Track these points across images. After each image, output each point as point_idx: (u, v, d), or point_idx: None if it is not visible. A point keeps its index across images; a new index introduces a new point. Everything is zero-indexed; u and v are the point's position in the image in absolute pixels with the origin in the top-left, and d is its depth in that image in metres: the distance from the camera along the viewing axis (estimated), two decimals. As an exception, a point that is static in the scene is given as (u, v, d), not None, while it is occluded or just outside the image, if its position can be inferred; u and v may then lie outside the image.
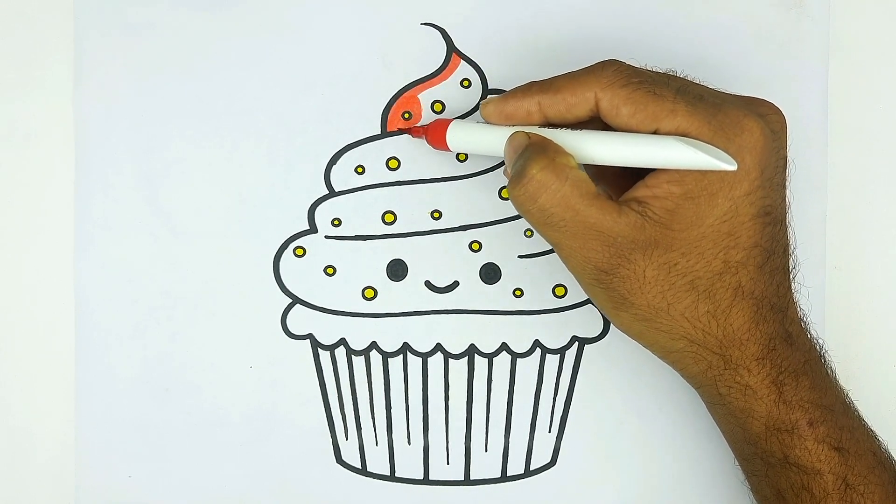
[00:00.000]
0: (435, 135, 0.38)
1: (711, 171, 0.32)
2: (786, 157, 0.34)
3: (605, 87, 0.33)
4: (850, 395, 0.36)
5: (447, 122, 0.38)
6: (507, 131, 0.35)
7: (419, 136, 0.40)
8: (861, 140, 0.42)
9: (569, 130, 0.34)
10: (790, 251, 0.35)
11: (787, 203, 0.35)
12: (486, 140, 0.36)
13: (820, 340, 0.36)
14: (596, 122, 0.34)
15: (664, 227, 0.33)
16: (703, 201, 0.33)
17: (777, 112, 0.34)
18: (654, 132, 0.33)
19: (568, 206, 0.33)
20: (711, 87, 0.35)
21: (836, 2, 0.41)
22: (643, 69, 0.34)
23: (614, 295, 0.34)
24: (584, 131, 0.34)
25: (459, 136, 0.38)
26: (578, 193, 0.33)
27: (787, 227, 0.35)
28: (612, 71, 0.33)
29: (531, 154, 0.33)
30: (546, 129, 0.35)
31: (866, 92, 0.42)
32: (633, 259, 0.33)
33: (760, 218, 0.33)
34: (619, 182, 0.37)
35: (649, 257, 0.33)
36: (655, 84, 0.33)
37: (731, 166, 0.31)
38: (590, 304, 0.41)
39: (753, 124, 0.32)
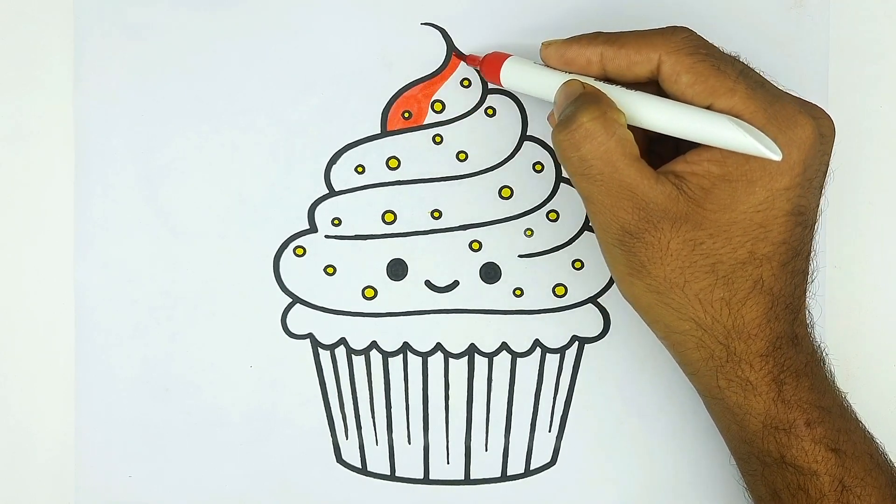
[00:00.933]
0: (490, 67, 0.38)
1: (755, 158, 0.32)
2: (828, 163, 0.34)
3: (672, 51, 0.33)
4: (849, 395, 0.36)
5: (504, 56, 0.38)
6: (563, 77, 0.35)
7: (474, 66, 0.40)
8: (861, 140, 0.42)
9: (624, 89, 0.34)
10: (812, 257, 0.35)
11: (820, 211, 0.35)
12: (541, 82, 0.36)
13: (821, 344, 0.36)
14: (652, 86, 0.34)
15: (697, 204, 0.33)
16: (741, 187, 0.32)
17: (828, 118, 0.34)
18: (708, 107, 0.32)
19: (609, 160, 0.33)
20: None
21: (836, 2, 0.41)
22: (711, 44, 0.34)
23: (634, 260, 0.34)
24: (639, 93, 0.33)
25: (515, 72, 0.37)
26: (622, 151, 0.33)
27: (814, 233, 0.35)
28: (682, 37, 0.33)
29: (584, 102, 0.33)
30: (602, 83, 0.34)
31: (866, 92, 0.42)
32: (661, 227, 0.33)
33: (794, 216, 0.33)
34: (663, 151, 0.37)
35: (677, 230, 0.33)
36: (721, 60, 0.33)
37: (776, 156, 0.31)
38: (590, 304, 0.41)
39: (806, 122, 0.32)
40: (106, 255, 0.41)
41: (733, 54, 0.34)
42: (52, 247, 0.41)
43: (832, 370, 0.36)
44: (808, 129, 0.32)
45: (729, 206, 0.33)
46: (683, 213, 0.33)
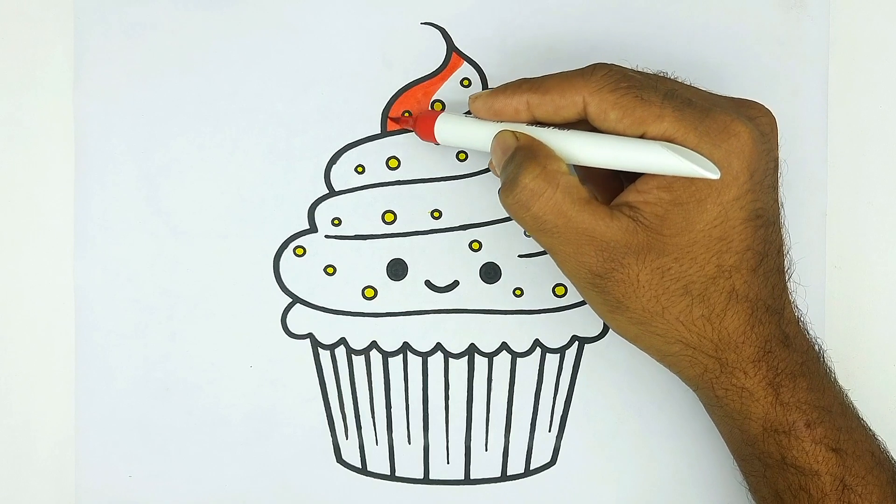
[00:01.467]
0: (423, 126, 0.38)
1: (698, 178, 0.32)
2: (777, 158, 0.34)
3: (594, 91, 0.33)
4: (849, 394, 0.36)
5: (436, 115, 0.38)
6: (495, 127, 0.35)
7: (407, 127, 0.40)
8: (861, 140, 0.42)
9: (556, 130, 0.34)
10: (785, 252, 0.35)
11: (780, 203, 0.35)
12: (475, 135, 0.36)
13: (819, 340, 0.36)
14: (584, 124, 0.34)
15: (655, 232, 0.33)
16: (692, 207, 0.33)
17: (767, 114, 0.34)
18: (642, 136, 0.33)
19: (560, 212, 0.33)
20: (705, 88, 0.35)
21: (836, 2, 0.41)
22: (633, 72, 0.34)
23: (609, 299, 0.34)
24: (571, 132, 0.34)
25: (448, 128, 0.38)
26: (570, 200, 0.33)
27: (780, 228, 0.35)
28: (601, 75, 0.33)
29: (522, 161, 0.33)
30: (534, 127, 0.35)
31: (866, 92, 0.42)
32: (627, 263, 0.33)
33: (752, 221, 0.33)
34: (609, 184, 0.37)
35: (642, 262, 0.33)
36: (643, 89, 0.33)
37: (713, 175, 0.31)
38: (590, 304, 0.41)
39: (741, 128, 0.32)
40: (106, 255, 0.41)
41: (661, 73, 0.34)
42: (52, 246, 0.41)
43: (832, 366, 0.36)
44: (744, 135, 0.32)
45: (685, 229, 0.33)
46: (644, 243, 0.33)
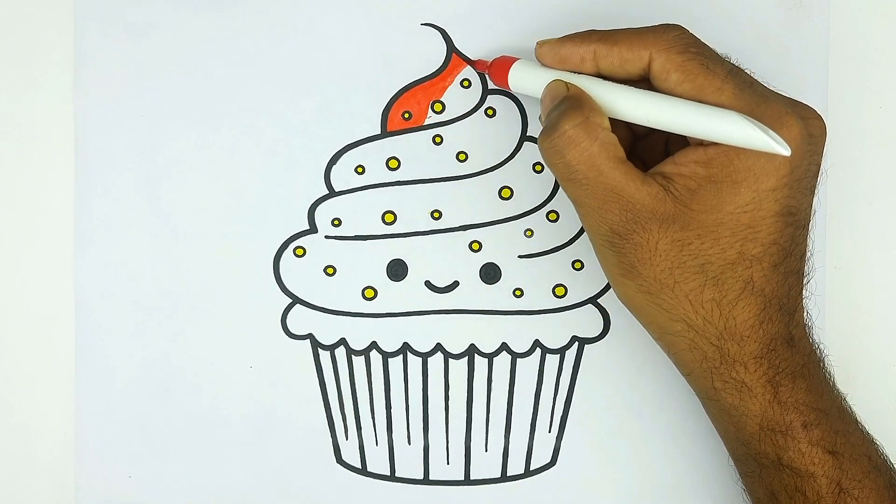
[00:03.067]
0: (498, 71, 0.38)
1: (740, 159, 0.32)
2: (819, 163, 0.34)
3: (662, 49, 0.33)
4: (849, 396, 0.36)
5: (512, 60, 0.38)
6: (567, 77, 0.35)
7: (483, 71, 0.40)
8: (861, 140, 0.42)
9: (629, 87, 0.34)
10: (807, 257, 0.35)
11: (813, 210, 0.35)
12: (546, 83, 0.36)
13: (821, 346, 0.36)
14: (645, 83, 0.34)
15: (684, 205, 0.33)
16: (727, 187, 0.32)
17: (819, 118, 0.34)
18: None
19: (593, 165, 0.33)
20: None
21: (836, 2, 0.41)
22: (703, 42, 0.34)
23: (624, 261, 0.34)
24: (644, 91, 0.33)
25: (521, 75, 0.37)
26: (606, 155, 0.33)
27: (808, 233, 0.35)
28: (673, 35, 0.33)
29: (566, 108, 0.33)
30: (604, 81, 0.34)
31: (866, 92, 0.42)
32: (649, 228, 0.33)
33: (783, 217, 0.33)
34: (641, 160, 0.37)
35: (665, 231, 0.33)
36: (710, 59, 0.33)
37: (785, 150, 0.31)
38: (590, 304, 0.41)
39: (794, 122, 0.32)
40: (106, 255, 0.41)
41: (726, 56, 0.34)
42: (52, 247, 0.41)
43: (831, 371, 0.36)
44: (795, 129, 0.32)
45: (715, 207, 0.33)
46: (671, 213, 0.33)
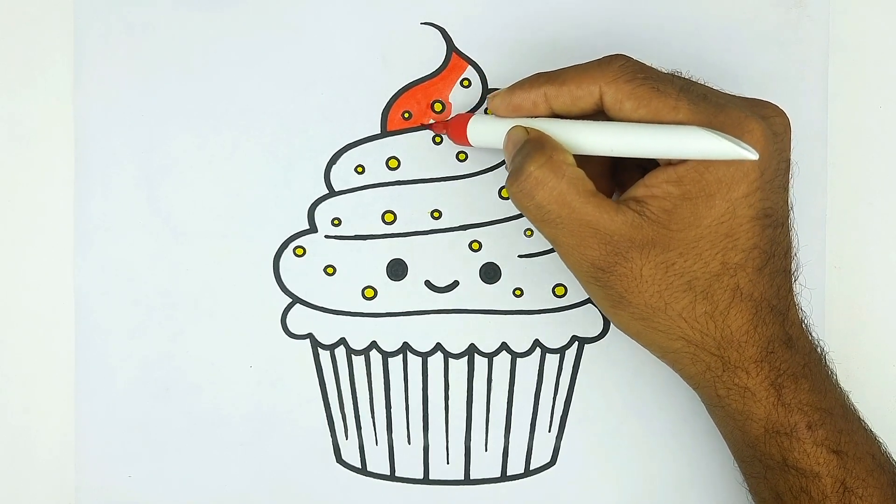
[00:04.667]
0: (456, 130, 0.38)
1: (710, 172, 0.32)
2: (788, 159, 0.34)
3: (610, 81, 0.33)
4: (850, 395, 0.36)
5: (468, 118, 0.38)
6: (525, 122, 0.35)
7: (440, 132, 0.40)
8: (861, 140, 0.42)
9: (583, 122, 0.34)
10: (792, 254, 0.35)
11: (790, 205, 0.35)
12: (503, 134, 0.36)
13: (821, 343, 0.36)
14: (601, 116, 0.34)
15: (661, 226, 0.33)
16: (701, 202, 0.33)
17: (781, 114, 0.34)
18: None
19: (564, 203, 0.33)
20: (714, 87, 0.35)
21: (836, 2, 0.41)
22: (649, 66, 0.34)
23: (612, 293, 0.34)
24: (602, 122, 0.33)
25: (479, 129, 0.37)
26: (575, 191, 0.33)
27: (789, 230, 0.35)
28: (618, 66, 0.33)
29: (529, 150, 0.33)
30: (559, 120, 0.34)
31: (866, 92, 0.42)
32: (630, 257, 0.33)
33: (760, 220, 0.33)
34: (603, 184, 0.37)
35: (646, 256, 0.33)
36: (660, 81, 0.33)
37: (752, 154, 0.31)
38: (590, 304, 0.41)
39: (755, 126, 0.32)
40: (106, 255, 0.41)
41: (676, 71, 0.35)
42: (52, 247, 0.41)
43: (833, 369, 0.36)
44: (757, 132, 0.32)
45: (693, 223, 0.33)
46: (649, 237, 0.33)
